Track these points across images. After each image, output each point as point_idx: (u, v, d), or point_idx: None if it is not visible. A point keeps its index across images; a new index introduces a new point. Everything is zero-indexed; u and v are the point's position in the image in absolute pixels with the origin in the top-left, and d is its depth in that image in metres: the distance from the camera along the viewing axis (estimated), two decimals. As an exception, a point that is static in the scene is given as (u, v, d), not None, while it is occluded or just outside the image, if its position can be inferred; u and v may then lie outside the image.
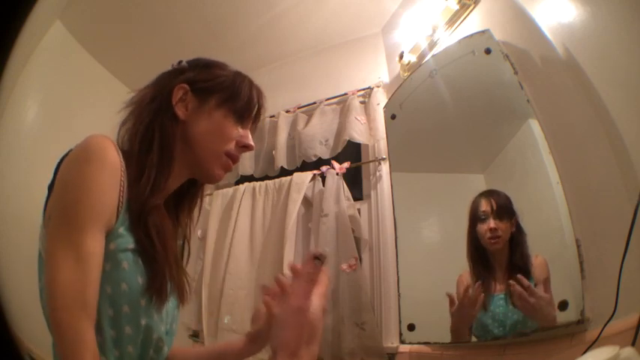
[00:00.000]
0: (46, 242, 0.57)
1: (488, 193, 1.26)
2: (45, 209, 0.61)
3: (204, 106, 0.73)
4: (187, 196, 0.80)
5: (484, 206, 1.24)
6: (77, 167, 0.58)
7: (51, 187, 0.61)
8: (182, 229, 0.79)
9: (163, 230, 0.65)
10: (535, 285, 1.08)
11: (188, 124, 0.71)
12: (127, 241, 0.60)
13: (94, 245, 0.55)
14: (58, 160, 0.61)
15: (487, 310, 1.18)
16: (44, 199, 0.62)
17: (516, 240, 1.18)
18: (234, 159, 0.75)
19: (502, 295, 1.16)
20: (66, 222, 0.55)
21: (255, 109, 0.78)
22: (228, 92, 0.74)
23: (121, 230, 0.59)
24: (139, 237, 0.61)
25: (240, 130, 0.76)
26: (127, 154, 0.63)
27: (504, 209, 1.20)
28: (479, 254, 1.24)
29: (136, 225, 0.61)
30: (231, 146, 0.74)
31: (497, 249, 1.20)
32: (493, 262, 1.21)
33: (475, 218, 1.25)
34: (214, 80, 0.74)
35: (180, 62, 0.77)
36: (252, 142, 0.77)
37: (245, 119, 0.76)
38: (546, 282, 1.07)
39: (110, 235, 0.58)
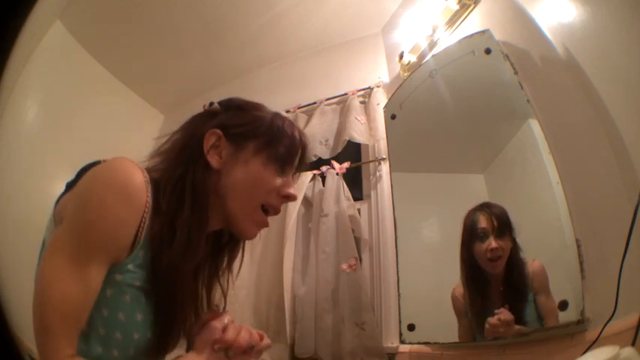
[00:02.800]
0: (49, 244, 0.55)
1: (487, 208, 1.16)
2: (57, 202, 0.60)
3: (239, 154, 0.65)
4: (227, 246, 0.75)
5: (483, 223, 1.13)
6: (101, 191, 0.54)
7: (70, 186, 0.59)
8: (218, 280, 0.75)
9: (187, 295, 0.62)
10: (534, 295, 1.06)
11: (222, 174, 0.64)
12: (136, 277, 0.57)
13: (98, 274, 0.53)
14: (83, 166, 0.60)
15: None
16: (59, 194, 0.61)
17: (513, 257, 1.11)
18: (274, 209, 0.68)
19: None
20: (76, 240, 0.53)
21: (299, 154, 0.70)
22: (267, 137, 0.66)
23: (131, 267, 0.56)
24: (160, 298, 0.58)
25: (280, 180, 0.67)
26: (156, 204, 0.59)
27: (505, 225, 1.11)
28: (474, 274, 1.16)
29: (162, 288, 0.58)
30: (271, 198, 0.67)
31: (498, 271, 1.13)
32: (490, 279, 1.14)
33: (472, 237, 1.16)
34: (251, 124, 0.67)
35: (211, 104, 0.70)
36: (294, 192, 0.69)
37: (287, 166, 0.68)
38: (547, 290, 1.04)
39: (117, 267, 0.55)
